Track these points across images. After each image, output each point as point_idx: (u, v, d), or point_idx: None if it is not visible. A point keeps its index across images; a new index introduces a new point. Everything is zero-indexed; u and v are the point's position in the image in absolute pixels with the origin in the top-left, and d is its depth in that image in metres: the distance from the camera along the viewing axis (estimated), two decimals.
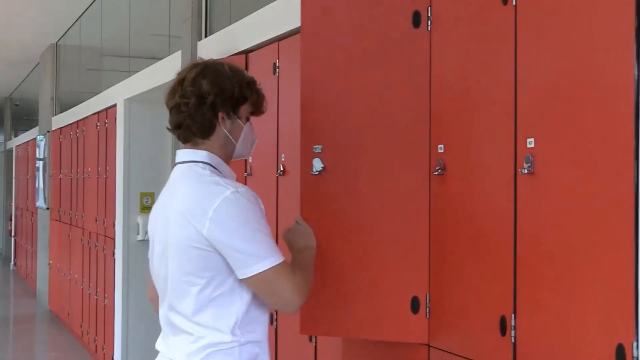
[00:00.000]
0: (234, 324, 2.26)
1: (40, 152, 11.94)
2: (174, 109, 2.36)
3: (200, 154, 2.36)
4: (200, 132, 2.36)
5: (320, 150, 2.84)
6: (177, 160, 2.41)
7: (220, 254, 2.22)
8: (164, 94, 2.42)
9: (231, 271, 2.24)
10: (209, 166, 2.35)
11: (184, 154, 2.39)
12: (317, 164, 2.83)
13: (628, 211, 1.94)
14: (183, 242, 2.25)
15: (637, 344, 1.91)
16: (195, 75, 2.35)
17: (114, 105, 7.45)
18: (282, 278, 2.24)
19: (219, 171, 2.36)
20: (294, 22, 3.75)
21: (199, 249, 2.23)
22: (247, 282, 2.25)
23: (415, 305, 2.73)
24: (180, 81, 2.36)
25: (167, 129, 2.42)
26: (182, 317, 2.30)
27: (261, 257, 2.21)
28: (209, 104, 2.34)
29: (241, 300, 2.27)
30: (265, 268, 2.21)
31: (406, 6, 2.78)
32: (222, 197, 2.22)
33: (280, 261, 2.25)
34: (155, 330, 2.49)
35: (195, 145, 2.38)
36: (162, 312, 2.40)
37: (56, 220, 10.46)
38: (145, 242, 6.72)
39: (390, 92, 2.82)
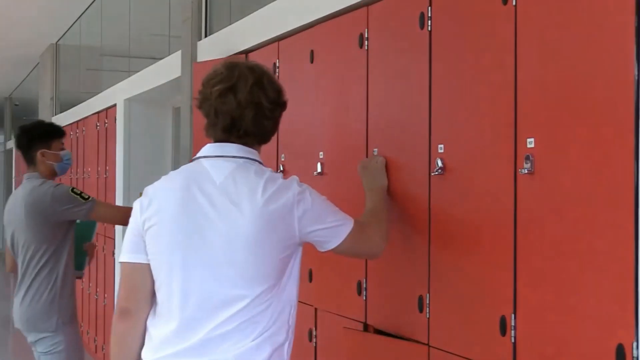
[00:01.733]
0: None
1: None
2: (251, 104, 2.31)
3: (255, 153, 2.38)
4: (269, 138, 2.41)
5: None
6: (224, 154, 2.32)
7: None
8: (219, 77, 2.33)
9: None
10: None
11: (237, 150, 2.33)
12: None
13: (628, 211, 1.94)
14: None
15: (637, 344, 1.91)
16: (272, 76, 2.38)
17: (114, 105, 7.44)
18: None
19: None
20: (294, 22, 3.76)
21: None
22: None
23: (420, 305, 2.74)
24: (260, 79, 2.33)
25: (211, 124, 2.35)
26: None
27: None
28: (280, 111, 2.40)
29: None
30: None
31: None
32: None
33: None
34: None
35: (246, 144, 2.36)
36: None
37: None
38: None
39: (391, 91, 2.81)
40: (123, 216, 3.82)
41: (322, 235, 2.39)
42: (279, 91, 2.39)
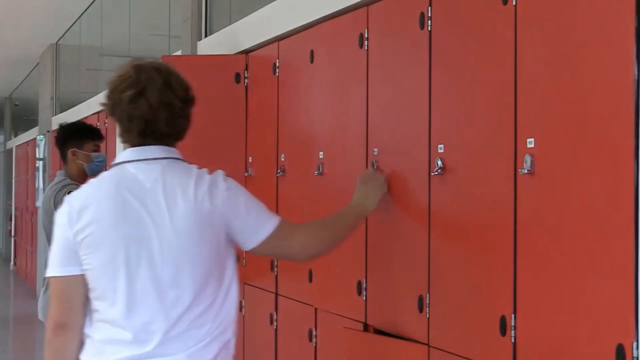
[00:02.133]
0: None
1: (40, 152, 11.93)
2: (163, 106, 2.31)
3: (176, 152, 2.38)
4: (184, 135, 2.40)
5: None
6: (149, 157, 2.32)
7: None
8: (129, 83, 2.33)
9: None
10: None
11: (160, 151, 2.34)
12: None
13: (628, 211, 1.94)
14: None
15: (637, 344, 1.91)
16: (180, 75, 2.37)
17: None
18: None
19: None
20: (294, 22, 3.76)
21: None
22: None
23: (420, 305, 2.74)
24: (168, 79, 2.34)
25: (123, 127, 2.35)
26: None
27: None
28: (191, 107, 2.39)
29: None
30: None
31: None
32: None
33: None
34: None
35: (164, 144, 2.36)
36: None
37: None
38: None
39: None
40: None
41: (245, 230, 2.35)
42: (187, 88, 2.39)
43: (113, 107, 2.34)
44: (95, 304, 2.28)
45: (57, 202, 3.92)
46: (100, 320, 2.27)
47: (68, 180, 4.09)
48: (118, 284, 2.24)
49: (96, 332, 2.28)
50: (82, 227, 2.25)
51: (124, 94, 2.30)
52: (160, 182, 2.27)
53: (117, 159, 2.34)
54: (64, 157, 4.16)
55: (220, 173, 2.36)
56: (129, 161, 2.32)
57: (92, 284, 2.27)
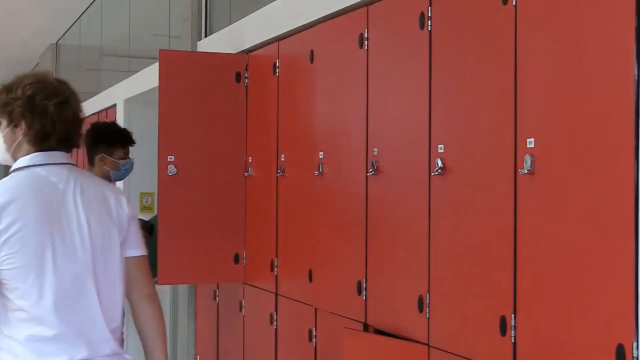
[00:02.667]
0: None
1: None
2: (78, 119, 2.44)
3: (71, 158, 2.49)
4: (79, 144, 2.52)
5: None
6: (56, 161, 2.41)
7: None
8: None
9: None
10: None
11: (64, 157, 2.45)
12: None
13: (628, 211, 1.94)
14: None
15: (637, 344, 1.91)
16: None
17: (114, 105, 7.45)
18: None
19: None
20: (294, 22, 3.76)
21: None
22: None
23: (420, 305, 2.74)
24: (76, 96, 2.46)
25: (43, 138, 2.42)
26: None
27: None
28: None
29: None
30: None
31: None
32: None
33: None
34: None
35: (67, 151, 2.47)
36: None
37: None
38: None
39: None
40: None
41: (129, 242, 2.47)
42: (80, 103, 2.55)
43: (32, 111, 2.39)
44: (18, 303, 2.30)
45: None
46: (25, 319, 2.30)
47: None
48: (45, 281, 2.29)
49: (19, 331, 2.30)
50: (3, 228, 2.29)
51: (51, 101, 2.38)
52: (72, 184, 2.38)
53: (24, 163, 2.38)
54: (91, 159, 4.07)
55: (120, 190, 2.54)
56: (39, 165, 2.39)
57: (15, 282, 2.29)
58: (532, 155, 2.25)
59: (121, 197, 2.48)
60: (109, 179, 4.07)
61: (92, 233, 2.35)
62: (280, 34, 3.93)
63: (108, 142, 4.04)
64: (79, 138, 2.48)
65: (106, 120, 7.71)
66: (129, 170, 4.12)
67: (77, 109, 2.44)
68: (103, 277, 2.35)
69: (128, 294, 2.45)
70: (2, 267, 2.28)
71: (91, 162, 4.07)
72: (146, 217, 6.60)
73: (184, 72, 4.25)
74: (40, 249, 2.29)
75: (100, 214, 2.38)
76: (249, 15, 4.43)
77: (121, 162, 4.06)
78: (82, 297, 2.33)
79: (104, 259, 2.36)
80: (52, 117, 2.38)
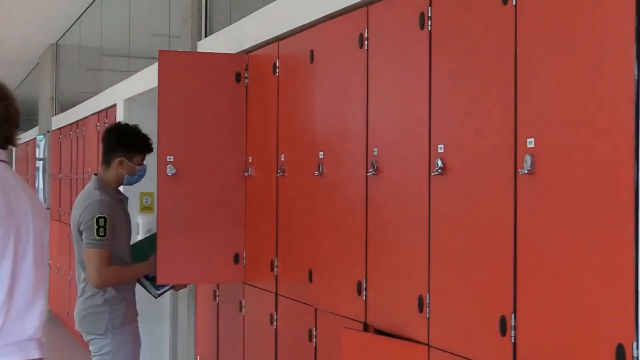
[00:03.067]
0: None
1: (40, 152, 11.93)
2: (19, 119, 2.58)
3: None
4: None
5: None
6: (3, 159, 2.56)
7: None
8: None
9: None
10: None
11: (5, 155, 2.59)
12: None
13: (628, 211, 1.94)
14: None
15: (637, 344, 1.91)
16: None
17: (114, 105, 7.44)
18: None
19: None
20: (294, 22, 3.76)
21: None
22: None
23: (420, 305, 2.74)
24: (13, 93, 2.57)
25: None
26: None
27: None
28: None
29: None
30: None
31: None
32: None
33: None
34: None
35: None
36: None
37: (56, 220, 10.45)
38: None
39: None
40: (103, 280, 3.83)
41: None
42: None
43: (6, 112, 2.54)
44: None
45: (85, 213, 3.82)
46: None
47: (98, 194, 3.91)
48: (3, 270, 2.41)
49: None
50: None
51: (0, 103, 2.51)
52: (17, 179, 2.55)
53: None
54: (108, 160, 4.04)
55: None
56: None
57: None
58: (532, 155, 2.25)
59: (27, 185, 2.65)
60: (121, 182, 4.06)
61: (40, 224, 2.55)
62: (280, 34, 3.93)
63: (129, 147, 4.02)
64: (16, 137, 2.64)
65: (106, 120, 7.71)
66: (141, 176, 4.11)
67: (19, 110, 2.59)
68: (42, 273, 2.58)
69: None
70: None
71: (107, 163, 4.03)
72: (147, 216, 6.62)
73: (183, 72, 4.24)
74: (3, 244, 2.42)
75: (40, 205, 2.59)
76: (249, 15, 4.43)
77: (137, 167, 4.04)
78: (28, 294, 2.49)
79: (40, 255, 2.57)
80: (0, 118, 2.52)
